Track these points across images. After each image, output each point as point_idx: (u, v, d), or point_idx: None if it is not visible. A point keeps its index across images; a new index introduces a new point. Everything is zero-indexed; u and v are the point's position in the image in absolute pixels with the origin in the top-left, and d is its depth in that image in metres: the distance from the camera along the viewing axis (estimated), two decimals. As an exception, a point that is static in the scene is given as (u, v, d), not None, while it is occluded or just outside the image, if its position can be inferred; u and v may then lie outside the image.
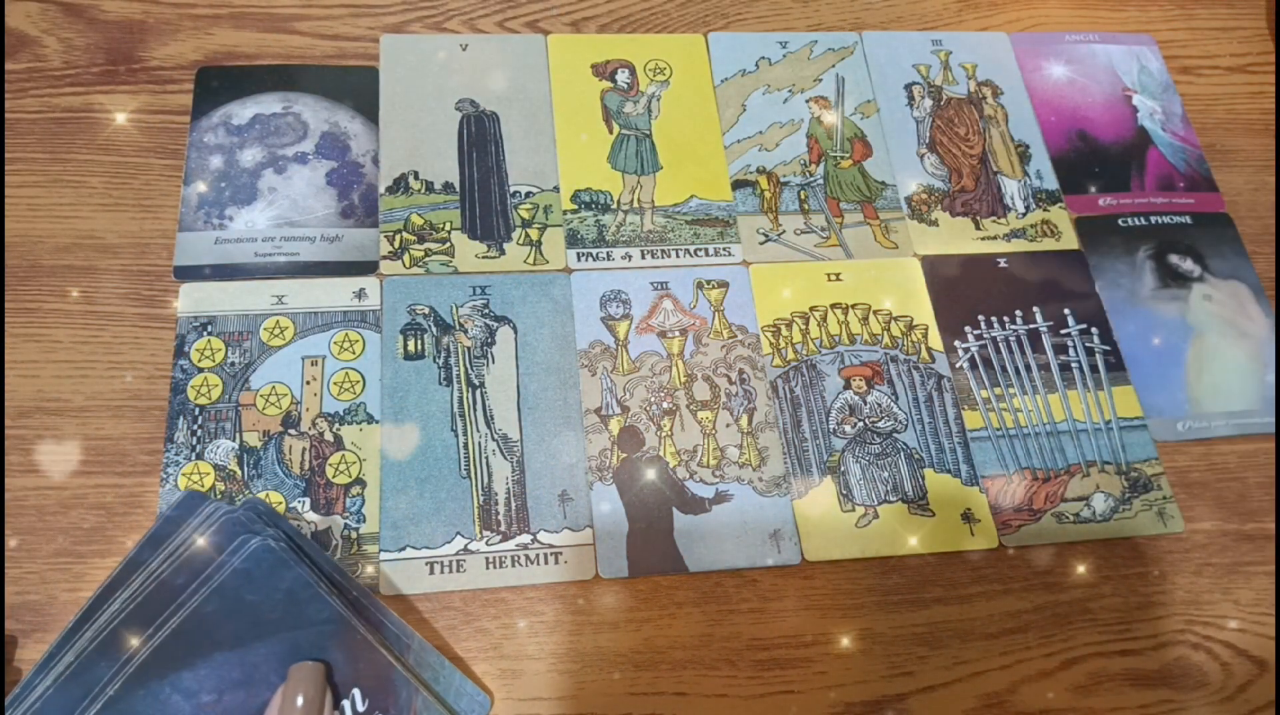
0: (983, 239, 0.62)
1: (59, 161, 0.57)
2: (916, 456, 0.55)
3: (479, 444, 0.52)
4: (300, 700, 0.38)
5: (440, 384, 0.54)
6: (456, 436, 0.52)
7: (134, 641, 0.39)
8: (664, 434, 0.54)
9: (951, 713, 0.49)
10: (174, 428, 0.51)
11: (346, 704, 0.41)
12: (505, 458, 0.52)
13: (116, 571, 0.40)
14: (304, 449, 0.51)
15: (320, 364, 0.53)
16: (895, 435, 0.55)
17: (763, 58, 0.67)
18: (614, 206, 0.60)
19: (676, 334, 0.57)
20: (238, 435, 0.51)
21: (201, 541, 0.41)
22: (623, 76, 0.65)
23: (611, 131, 0.63)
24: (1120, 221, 0.64)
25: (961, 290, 0.60)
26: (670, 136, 0.63)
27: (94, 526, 0.49)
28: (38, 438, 0.50)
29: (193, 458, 0.50)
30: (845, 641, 0.50)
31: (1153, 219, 0.64)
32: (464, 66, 0.64)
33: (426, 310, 0.55)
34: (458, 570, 0.49)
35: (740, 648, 0.49)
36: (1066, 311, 0.60)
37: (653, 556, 0.51)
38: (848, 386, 0.56)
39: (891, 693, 0.49)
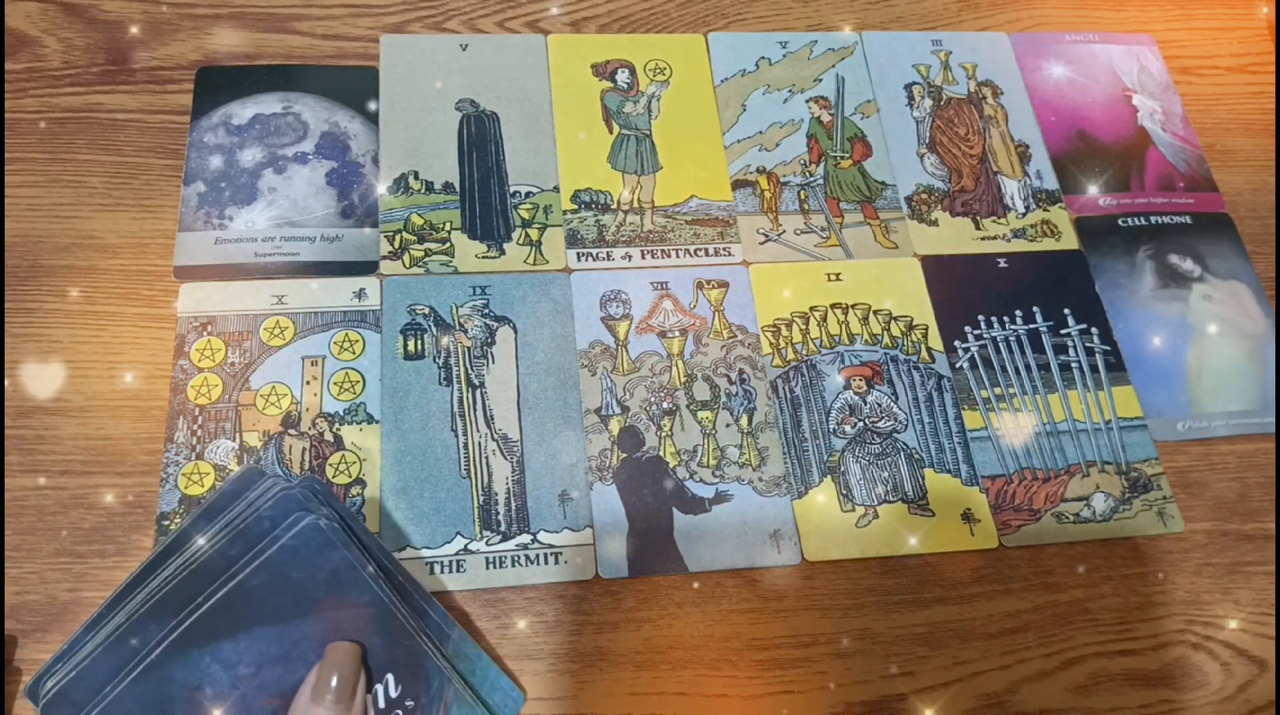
0: (983, 239, 0.62)
1: (59, 161, 0.57)
2: (916, 456, 0.55)
3: (479, 444, 0.52)
4: (335, 681, 0.39)
5: (440, 384, 0.54)
6: (456, 436, 0.52)
7: (182, 609, 0.39)
8: (664, 434, 0.54)
9: (951, 713, 0.49)
10: (174, 428, 0.51)
11: (380, 688, 0.41)
12: (505, 458, 0.52)
13: (171, 539, 0.40)
14: (304, 449, 0.51)
15: (320, 364, 0.53)
16: (895, 435, 0.55)
17: (763, 58, 0.67)
18: (614, 206, 0.60)
19: (676, 334, 0.57)
20: (238, 435, 0.51)
21: (256, 515, 0.40)
22: (623, 76, 0.65)
23: (611, 131, 0.63)
24: (1120, 221, 0.64)
25: (961, 290, 0.60)
26: (670, 136, 0.63)
27: (94, 526, 0.49)
28: (38, 438, 0.50)
29: (193, 458, 0.50)
30: (845, 641, 0.50)
31: (1153, 219, 0.64)
32: (464, 66, 0.64)
33: (426, 310, 0.55)
34: (458, 570, 0.49)
35: (740, 648, 0.49)
36: (1066, 311, 0.60)
37: (653, 556, 0.51)
38: (848, 386, 0.56)
39: (891, 693, 0.49)
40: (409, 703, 0.41)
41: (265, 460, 0.51)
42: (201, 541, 0.40)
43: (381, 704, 0.41)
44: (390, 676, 0.41)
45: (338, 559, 0.40)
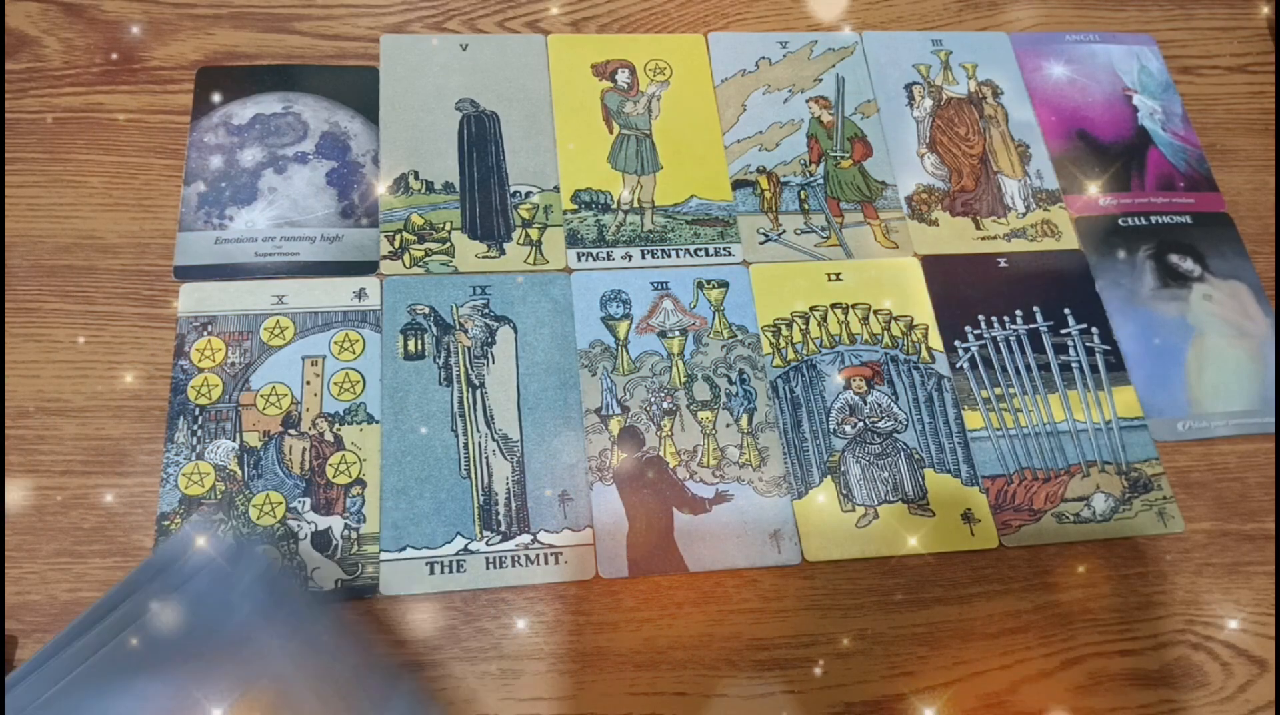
0: (983, 239, 0.62)
1: (59, 161, 0.58)
2: (916, 456, 0.55)
3: (479, 444, 0.52)
4: None
5: (440, 384, 0.54)
6: (456, 436, 0.52)
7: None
8: (664, 434, 0.54)
9: (951, 713, 0.49)
10: (174, 428, 0.51)
11: None
12: (505, 458, 0.52)
13: (105, 597, 0.40)
14: (304, 449, 0.51)
15: (320, 364, 0.53)
16: (895, 435, 0.55)
17: (763, 58, 0.67)
18: (614, 206, 0.60)
19: (676, 334, 0.57)
20: (238, 435, 0.51)
21: (190, 583, 0.41)
22: (623, 76, 0.65)
23: (612, 131, 0.63)
24: (1120, 221, 0.64)
25: (961, 290, 0.60)
26: (670, 136, 0.63)
27: (94, 526, 0.49)
28: (38, 438, 0.50)
29: (193, 458, 0.50)
30: (845, 641, 0.50)
31: (1153, 219, 0.64)
32: (464, 66, 0.64)
33: (426, 310, 0.55)
34: (458, 570, 0.49)
35: (740, 648, 0.49)
36: (1066, 311, 0.60)
37: (653, 556, 0.51)
38: (848, 386, 0.56)
39: (891, 693, 0.49)
40: None
41: (265, 460, 0.51)
42: (133, 603, 0.40)
43: None
44: None
45: (247, 610, 0.40)
